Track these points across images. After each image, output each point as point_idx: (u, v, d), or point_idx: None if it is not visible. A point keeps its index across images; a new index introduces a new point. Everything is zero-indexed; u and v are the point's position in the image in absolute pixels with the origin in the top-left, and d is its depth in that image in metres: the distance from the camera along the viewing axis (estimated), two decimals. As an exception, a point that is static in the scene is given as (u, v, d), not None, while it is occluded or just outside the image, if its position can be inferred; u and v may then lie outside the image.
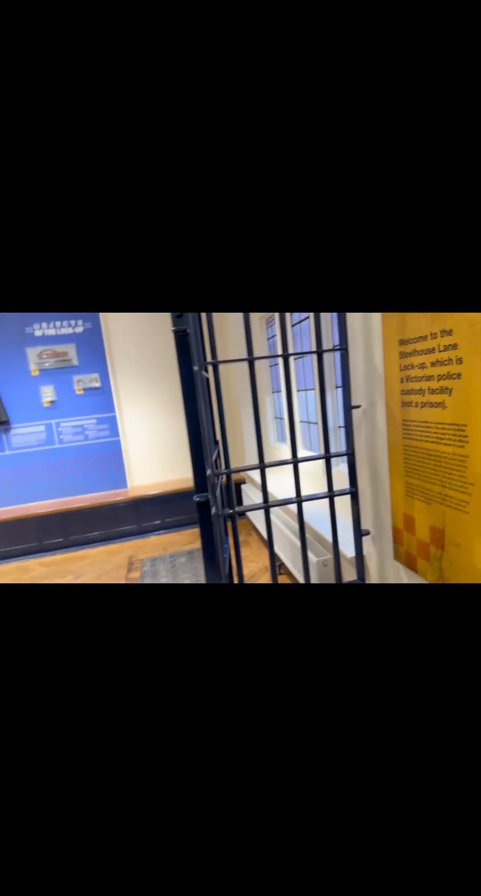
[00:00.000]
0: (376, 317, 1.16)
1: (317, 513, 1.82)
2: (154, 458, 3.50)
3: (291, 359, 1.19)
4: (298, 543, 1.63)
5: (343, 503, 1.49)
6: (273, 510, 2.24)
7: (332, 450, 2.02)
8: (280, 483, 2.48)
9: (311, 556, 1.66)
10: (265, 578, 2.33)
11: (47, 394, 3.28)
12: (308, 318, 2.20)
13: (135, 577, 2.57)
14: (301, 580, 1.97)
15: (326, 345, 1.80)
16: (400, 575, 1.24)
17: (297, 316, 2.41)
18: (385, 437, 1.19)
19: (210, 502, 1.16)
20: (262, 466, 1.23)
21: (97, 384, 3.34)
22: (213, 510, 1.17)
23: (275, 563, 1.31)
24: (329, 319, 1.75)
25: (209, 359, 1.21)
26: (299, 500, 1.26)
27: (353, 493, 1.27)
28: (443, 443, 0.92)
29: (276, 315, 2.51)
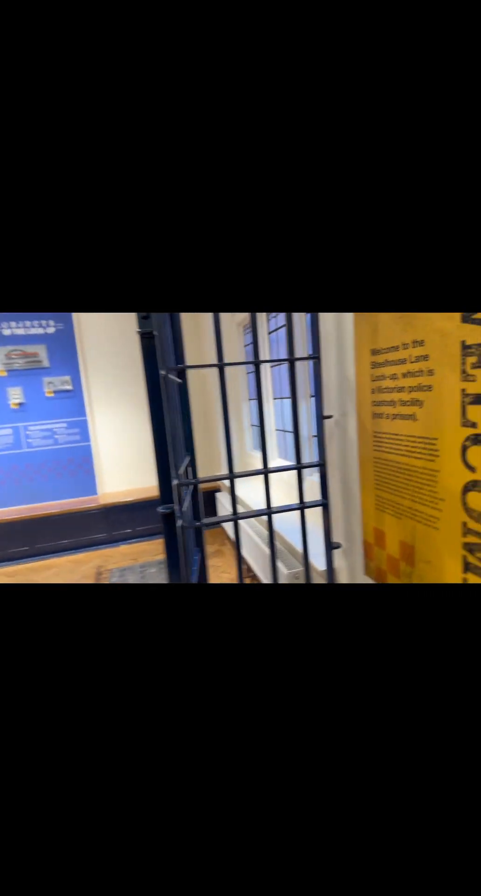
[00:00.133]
0: (349, 325, 1.13)
1: (290, 523, 1.79)
2: (126, 464, 3.40)
3: (268, 366, 1.16)
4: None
5: (316, 514, 1.47)
6: (248, 519, 2.19)
7: (307, 460, 2.00)
8: (254, 492, 2.44)
9: (283, 569, 1.62)
10: (237, 590, 2.27)
11: (15, 395, 3.14)
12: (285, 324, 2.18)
13: (102, 589, 2.46)
14: (273, 592, 1.93)
15: (301, 353, 1.78)
16: (370, 590, 1.21)
17: (274, 323, 2.40)
18: (357, 448, 1.16)
19: (175, 514, 1.10)
20: (231, 477, 1.19)
21: (68, 387, 3.23)
22: (180, 522, 1.12)
23: (242, 575, 1.26)
24: (304, 327, 1.73)
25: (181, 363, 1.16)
26: (269, 511, 1.22)
27: (324, 505, 1.24)
28: (414, 456, 0.90)
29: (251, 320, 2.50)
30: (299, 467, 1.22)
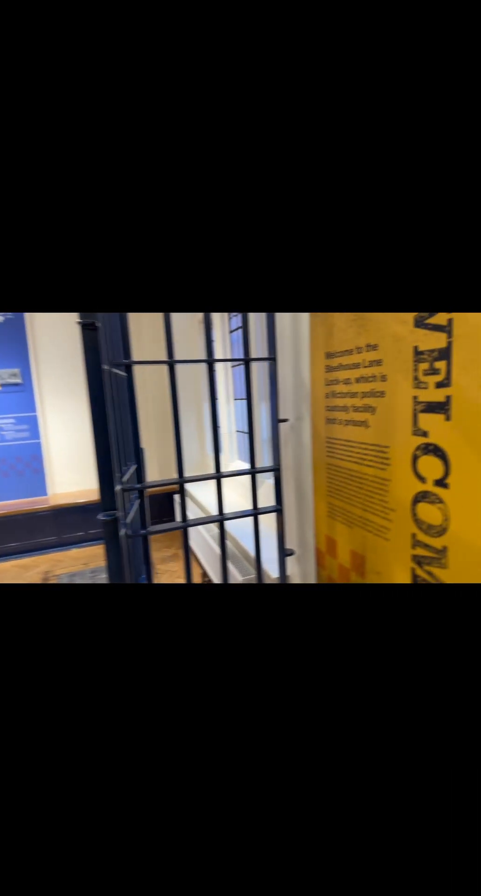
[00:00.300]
0: (305, 327, 1.10)
1: (245, 527, 1.74)
2: (78, 463, 3.23)
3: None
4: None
5: (271, 519, 1.43)
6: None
7: (264, 463, 1.96)
8: (213, 494, 2.38)
9: (237, 574, 1.57)
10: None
11: (-43, 387, 2.91)
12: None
13: (48, 596, 2.32)
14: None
15: (261, 353, 1.74)
16: (322, 598, 1.18)
17: (236, 322, 2.35)
18: (310, 453, 1.13)
19: (119, 521, 1.02)
20: (181, 482, 1.12)
21: (17, 380, 3.02)
22: (123, 531, 1.04)
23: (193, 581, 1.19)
24: (262, 327, 1.69)
25: (127, 357, 1.08)
26: (221, 518, 1.16)
27: (279, 511, 1.20)
28: (365, 464, 0.87)
29: (205, 318, 2.43)
30: (253, 472, 1.17)
